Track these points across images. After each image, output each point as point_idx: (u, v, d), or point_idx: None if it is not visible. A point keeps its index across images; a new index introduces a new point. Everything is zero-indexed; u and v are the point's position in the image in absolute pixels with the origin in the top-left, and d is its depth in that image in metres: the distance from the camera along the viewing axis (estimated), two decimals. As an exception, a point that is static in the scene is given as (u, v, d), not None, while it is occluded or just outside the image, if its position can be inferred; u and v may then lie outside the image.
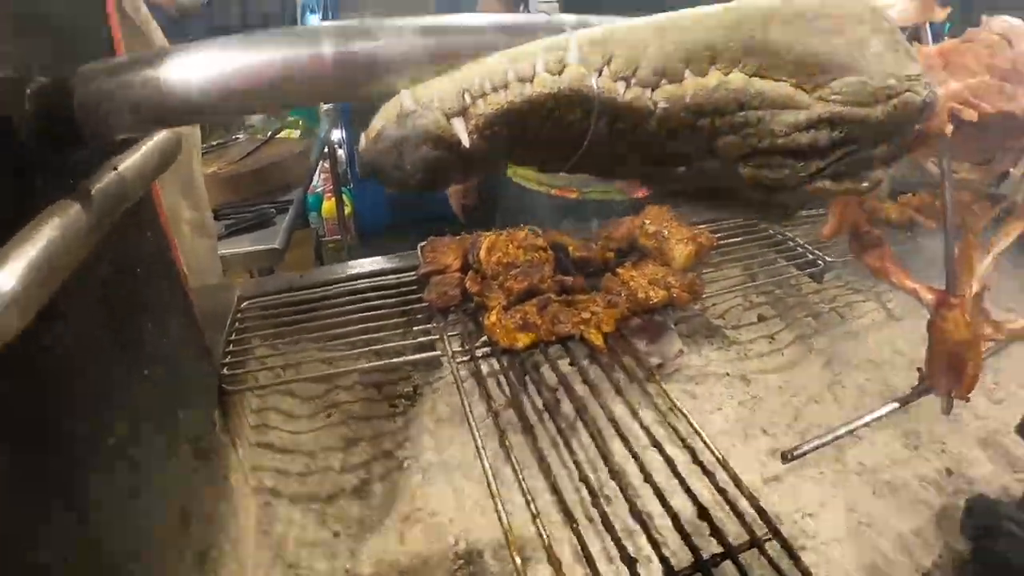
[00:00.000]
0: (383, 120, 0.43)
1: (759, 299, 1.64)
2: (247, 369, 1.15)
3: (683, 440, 0.98)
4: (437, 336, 1.14)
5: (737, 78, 0.50)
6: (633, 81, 0.47)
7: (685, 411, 1.03)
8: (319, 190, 4.18)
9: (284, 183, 2.46)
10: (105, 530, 0.59)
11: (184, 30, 3.27)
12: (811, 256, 1.50)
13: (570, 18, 0.53)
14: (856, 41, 0.57)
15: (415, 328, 1.22)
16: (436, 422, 1.21)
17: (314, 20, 4.23)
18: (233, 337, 1.21)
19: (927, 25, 0.90)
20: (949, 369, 1.02)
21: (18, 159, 0.46)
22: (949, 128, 0.79)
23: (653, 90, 0.48)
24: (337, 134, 4.11)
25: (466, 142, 0.42)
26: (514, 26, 0.50)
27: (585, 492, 0.90)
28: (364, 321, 1.24)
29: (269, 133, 2.82)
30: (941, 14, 0.86)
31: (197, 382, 0.98)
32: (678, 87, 0.48)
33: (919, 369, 1.09)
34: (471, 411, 0.98)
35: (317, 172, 3.45)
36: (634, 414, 1.03)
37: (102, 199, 0.49)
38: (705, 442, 0.96)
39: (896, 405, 1.07)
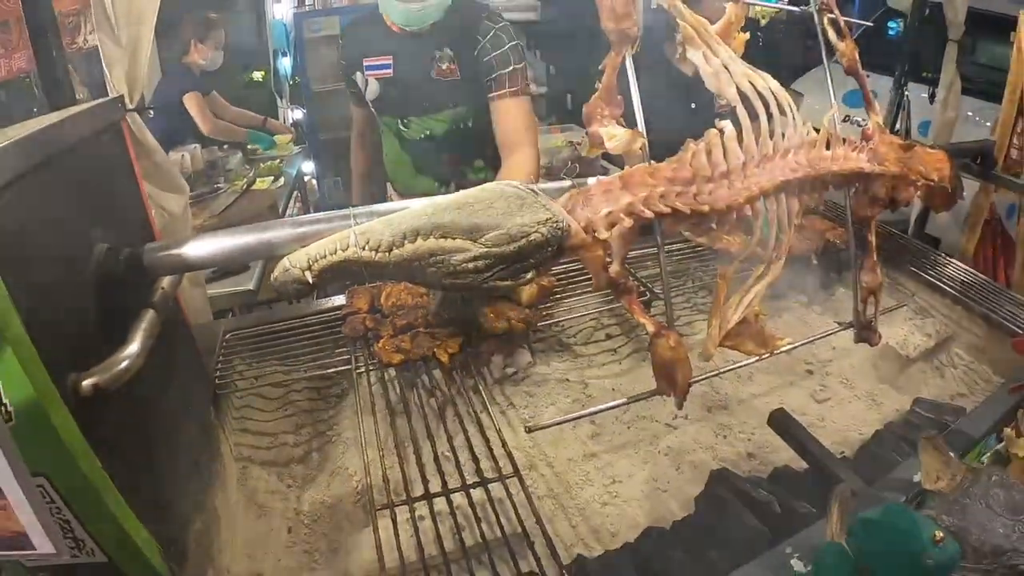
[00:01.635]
0: (277, 271, 1.12)
1: (609, 321, 2.22)
2: (230, 379, 1.82)
3: (499, 432, 1.62)
4: (349, 356, 1.84)
5: (429, 242, 1.09)
6: (380, 249, 1.09)
7: (493, 415, 1.64)
8: (292, 219, 4.76)
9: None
10: (159, 459, 1.30)
11: (200, 83, 4.14)
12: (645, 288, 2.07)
13: (360, 210, 1.22)
14: (502, 209, 1.12)
15: (336, 351, 1.90)
16: (354, 412, 1.86)
17: (285, 62, 4.78)
18: (220, 359, 1.89)
19: (642, 148, 1.26)
20: (666, 378, 1.33)
21: (116, 289, 1.16)
22: (607, 234, 1.17)
23: (388, 253, 1.09)
24: (309, 166, 4.74)
25: (311, 282, 1.10)
26: (335, 218, 1.21)
27: (430, 453, 1.56)
28: (308, 345, 1.93)
29: (245, 184, 3.48)
30: (640, 142, 1.26)
31: (199, 389, 1.68)
32: (400, 251, 1.09)
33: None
34: (375, 405, 1.68)
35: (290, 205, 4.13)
36: (475, 414, 1.67)
37: (162, 302, 1.22)
38: (494, 422, 1.61)
39: (625, 400, 1.45)
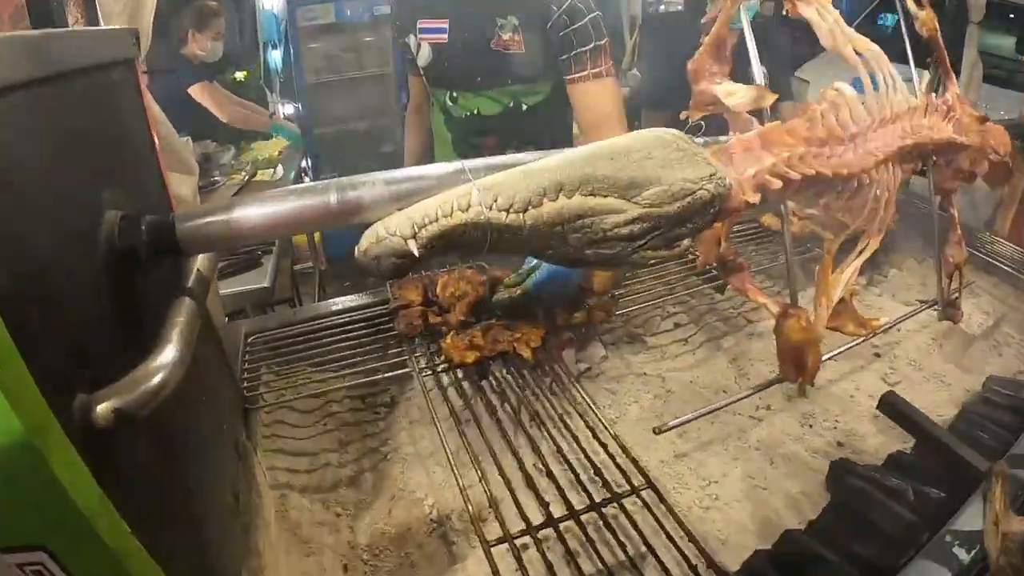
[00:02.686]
0: (367, 242, 0.80)
1: (675, 309, 1.97)
2: (258, 392, 1.51)
3: (590, 427, 1.35)
4: (407, 356, 1.52)
5: (575, 200, 0.85)
6: (511, 210, 0.82)
7: (595, 405, 1.40)
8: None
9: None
10: (198, 503, 0.96)
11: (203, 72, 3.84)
12: (715, 272, 1.82)
13: (471, 164, 0.88)
14: (661, 161, 0.89)
15: (389, 352, 1.58)
16: (410, 423, 1.57)
17: (275, 55, 4.45)
18: (246, 366, 1.57)
19: (767, 110, 1.18)
20: (794, 363, 1.23)
21: (136, 272, 0.82)
22: (757, 197, 1.03)
23: (523, 214, 0.82)
24: (305, 162, 4.41)
25: (416, 254, 0.79)
26: (444, 175, 0.86)
27: (516, 468, 1.27)
28: (349, 347, 1.61)
29: (246, 177, 3.11)
30: (770, 100, 1.16)
31: (229, 403, 1.35)
32: (539, 210, 0.83)
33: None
34: (436, 413, 1.36)
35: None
36: (555, 409, 1.41)
37: (198, 290, 0.85)
38: (605, 426, 1.34)
39: (752, 392, 1.34)
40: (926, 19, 1.51)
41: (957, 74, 3.34)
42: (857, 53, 1.23)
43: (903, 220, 1.58)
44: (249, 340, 1.66)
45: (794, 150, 1.05)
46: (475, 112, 2.13)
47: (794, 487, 1.43)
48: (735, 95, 1.17)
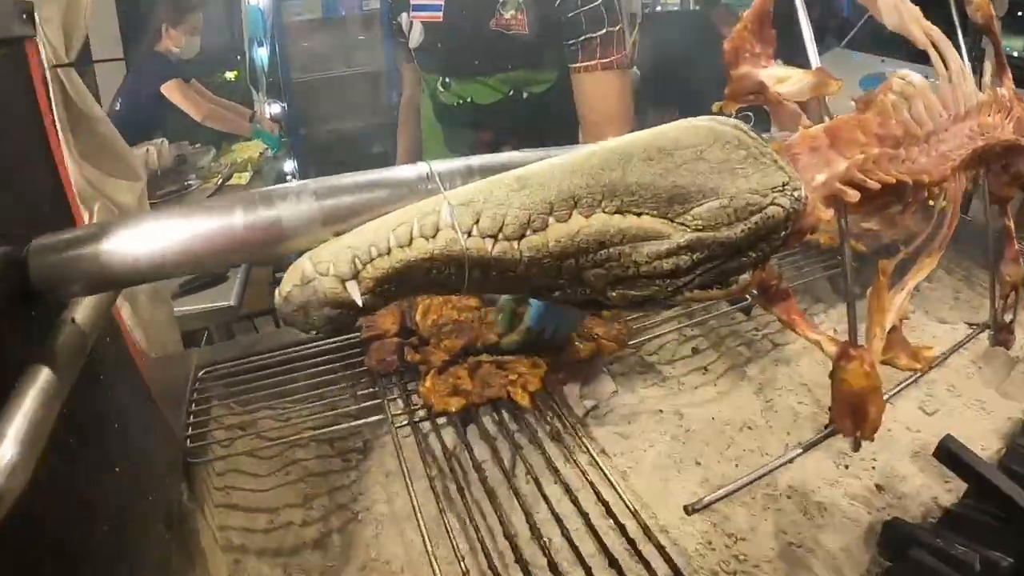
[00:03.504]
0: (290, 284, 0.55)
1: (693, 332, 1.73)
2: (208, 441, 1.27)
3: (598, 495, 1.11)
4: (380, 400, 1.27)
5: (597, 220, 0.59)
6: (500, 236, 0.57)
7: (604, 467, 1.16)
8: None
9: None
10: None
11: (178, 70, 3.59)
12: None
13: (444, 166, 0.63)
14: (718, 163, 0.65)
15: (359, 393, 1.34)
16: (386, 475, 1.31)
17: (262, 52, 4.26)
18: (193, 408, 1.33)
19: (825, 99, 0.97)
20: (852, 414, 1.04)
21: None
22: (829, 214, 0.84)
23: (519, 241, 0.57)
24: (289, 165, 4.16)
25: (359, 302, 0.53)
26: (395, 181, 0.61)
27: (509, 549, 1.04)
28: (315, 383, 1.37)
29: (220, 180, 2.89)
30: (835, 87, 0.94)
31: (163, 463, 1.09)
32: (542, 236, 0.58)
33: (829, 409, 1.13)
34: (409, 471, 1.11)
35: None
36: (554, 471, 1.17)
37: (67, 355, 0.60)
38: (619, 494, 1.09)
39: (800, 451, 1.14)
40: (981, 2, 1.36)
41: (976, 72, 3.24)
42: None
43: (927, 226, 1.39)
44: (200, 375, 1.41)
45: (867, 150, 0.87)
46: (469, 100, 1.89)
47: (833, 543, 1.25)
48: (788, 81, 0.97)
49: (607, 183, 0.60)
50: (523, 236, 0.58)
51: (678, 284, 0.65)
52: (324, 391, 1.36)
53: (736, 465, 1.41)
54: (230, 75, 4.86)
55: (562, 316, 1.31)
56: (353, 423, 1.29)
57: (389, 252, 0.55)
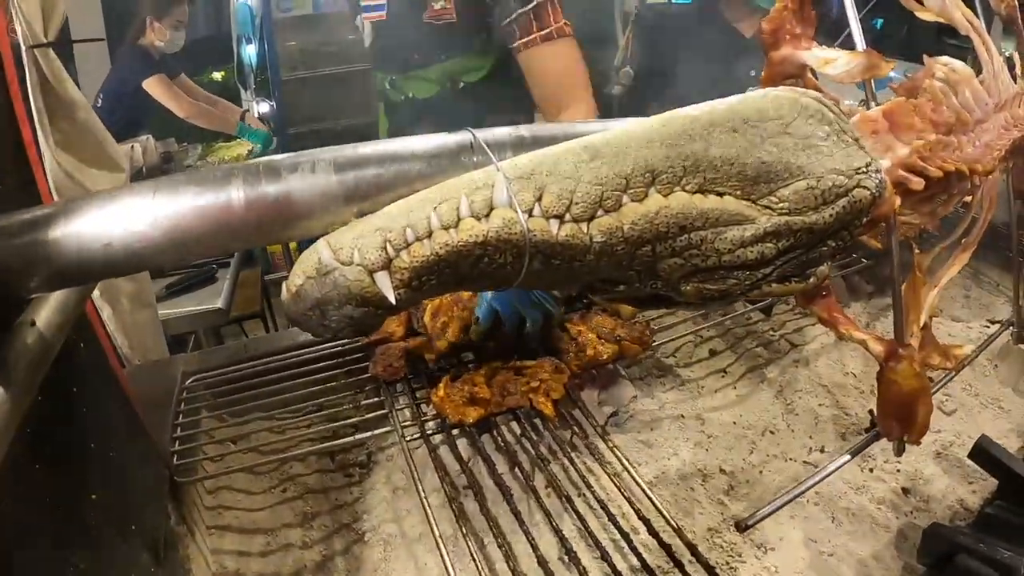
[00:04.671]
0: (302, 276, 0.42)
1: (710, 333, 1.64)
2: (197, 457, 1.15)
3: (632, 504, 1.02)
4: (387, 410, 1.14)
5: (679, 200, 0.49)
6: (567, 217, 0.45)
7: (638, 478, 1.06)
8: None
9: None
10: None
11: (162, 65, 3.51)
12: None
13: (489, 134, 0.51)
14: (803, 139, 0.56)
15: (363, 402, 1.22)
16: (393, 491, 1.19)
17: (250, 49, 4.15)
18: (180, 421, 1.20)
19: (871, 82, 0.90)
20: (900, 416, 0.99)
21: None
22: (897, 202, 0.76)
23: (589, 223, 0.46)
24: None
25: (392, 299, 0.41)
26: (431, 152, 0.49)
27: (532, 556, 0.95)
28: (315, 395, 1.25)
29: None
30: (887, 69, 0.86)
31: (147, 484, 0.97)
32: (616, 217, 0.47)
33: (871, 412, 1.09)
34: (423, 490, 0.99)
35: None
36: (582, 484, 1.07)
37: (26, 365, 0.47)
38: (652, 501, 1.01)
39: (849, 457, 1.06)
40: None
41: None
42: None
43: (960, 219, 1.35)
44: (187, 383, 1.27)
45: (925, 136, 0.81)
46: (409, 95, 1.86)
47: (862, 549, 1.18)
48: (835, 63, 0.88)
49: (689, 155, 0.50)
50: (594, 217, 0.46)
51: (758, 276, 0.56)
52: (324, 400, 1.24)
53: (760, 472, 1.33)
54: (217, 75, 4.75)
55: (529, 304, 1.20)
56: (357, 436, 1.17)
57: (431, 235, 0.43)
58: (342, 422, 1.22)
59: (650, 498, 1.00)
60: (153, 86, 3.41)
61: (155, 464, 1.03)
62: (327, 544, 1.16)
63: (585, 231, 0.46)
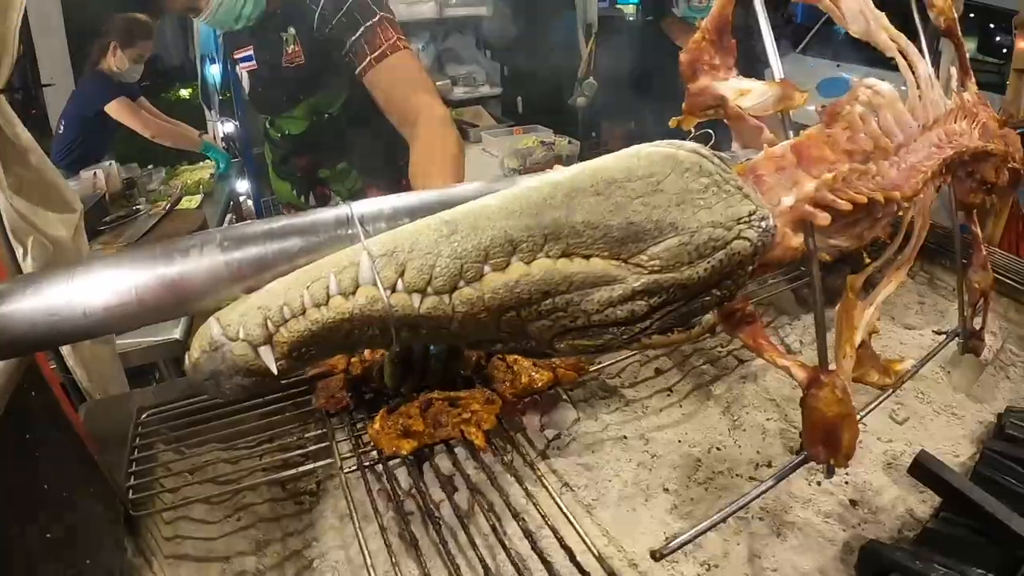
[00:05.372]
0: (198, 350, 0.50)
1: (656, 352, 1.69)
2: (154, 490, 1.21)
3: (560, 540, 1.06)
4: (329, 442, 1.22)
5: (541, 266, 0.54)
6: (429, 290, 0.52)
7: (562, 506, 1.11)
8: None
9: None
10: None
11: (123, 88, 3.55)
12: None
13: (366, 207, 0.59)
14: (677, 195, 0.60)
15: (307, 435, 1.28)
16: (340, 518, 1.26)
17: (214, 69, 4.19)
18: (136, 455, 1.27)
19: (789, 114, 0.92)
20: (825, 441, 1.00)
21: None
22: (799, 240, 0.80)
23: (451, 294, 0.52)
24: (244, 185, 4.07)
25: (274, 369, 0.49)
26: (311, 227, 0.56)
27: None
28: (266, 426, 1.33)
29: (168, 206, 2.85)
30: (800, 100, 0.89)
31: (101, 522, 1.04)
32: (477, 288, 0.53)
33: (801, 435, 1.11)
34: (358, 521, 1.07)
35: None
36: (514, 511, 1.12)
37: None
38: (575, 528, 1.06)
39: (772, 483, 1.08)
40: (944, 7, 1.33)
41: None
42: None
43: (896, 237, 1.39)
44: (143, 417, 1.34)
45: (838, 168, 0.84)
46: (287, 133, 2.05)
47: (807, 564, 1.21)
48: (750, 94, 0.92)
49: (549, 223, 0.55)
50: (455, 288, 0.52)
51: (635, 331, 0.61)
52: (274, 432, 1.31)
53: (706, 489, 1.38)
54: (185, 92, 4.79)
55: None
56: (301, 468, 1.24)
57: (304, 313, 0.50)
58: (292, 452, 1.28)
59: (573, 524, 1.06)
60: (117, 110, 3.47)
61: (110, 500, 1.09)
62: (279, 571, 1.22)
63: (447, 302, 0.52)
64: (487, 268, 0.53)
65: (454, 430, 1.13)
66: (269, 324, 0.50)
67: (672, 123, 0.97)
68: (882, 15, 1.02)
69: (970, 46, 5.05)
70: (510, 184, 0.61)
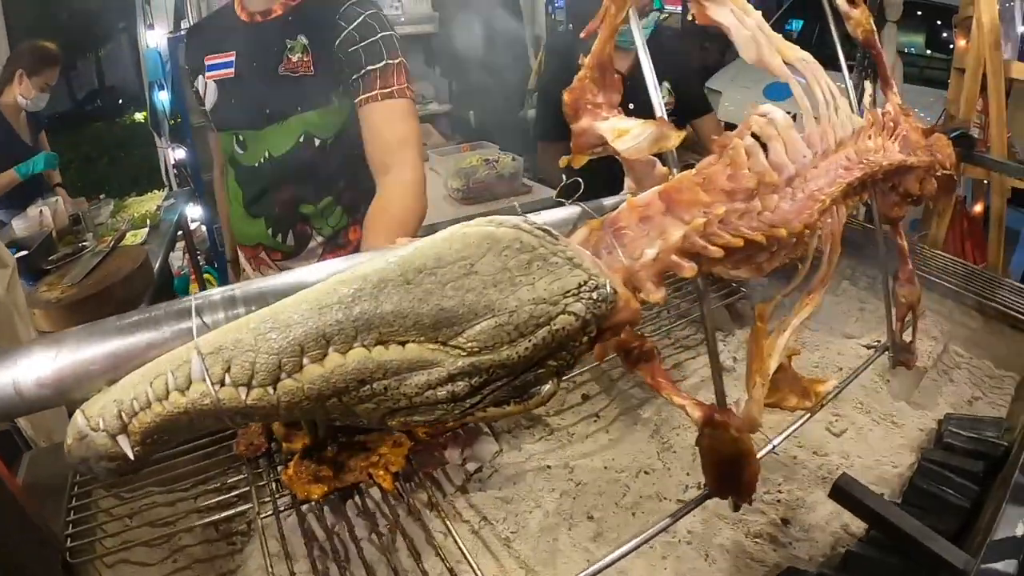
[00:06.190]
0: (70, 439, 0.61)
1: (583, 377, 1.79)
2: (95, 536, 1.30)
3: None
4: (248, 488, 1.32)
5: (355, 356, 0.60)
6: (253, 383, 0.60)
7: (462, 546, 1.17)
8: (184, 272, 4.23)
9: (127, 299, 2.60)
10: None
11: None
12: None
13: (206, 297, 0.70)
14: (493, 275, 0.63)
15: (228, 482, 1.38)
16: (269, 557, 1.33)
17: (162, 96, 4.27)
18: (74, 503, 1.35)
19: (673, 152, 0.95)
20: (725, 479, 1.02)
21: None
22: (660, 294, 0.81)
23: (274, 386, 0.60)
24: (196, 211, 4.16)
25: (131, 455, 0.60)
26: (160, 320, 0.68)
27: None
28: (199, 469, 1.42)
29: (113, 241, 2.92)
30: (674, 140, 0.91)
31: (38, 571, 1.13)
32: (297, 379, 0.60)
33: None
34: (270, 565, 1.18)
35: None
36: (432, 547, 1.21)
37: None
38: (470, 564, 1.11)
39: (670, 521, 1.11)
40: (861, 19, 1.39)
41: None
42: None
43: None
44: (81, 465, 1.44)
45: (712, 210, 0.85)
46: (266, 156, 1.96)
47: None
48: (627, 135, 0.94)
49: (359, 316, 0.60)
50: (278, 380, 0.60)
51: (464, 407, 0.64)
52: (208, 475, 1.40)
53: (633, 514, 1.43)
54: (139, 116, 4.88)
55: None
56: (227, 512, 1.33)
57: (150, 406, 0.59)
58: (225, 495, 1.37)
59: (470, 562, 1.12)
60: None
61: (47, 549, 1.18)
62: (214, 613, 1.31)
63: (272, 394, 0.60)
64: (306, 360, 0.60)
65: (362, 474, 1.22)
66: (123, 416, 0.59)
67: (562, 162, 0.99)
68: (778, 37, 1.04)
69: (918, 41, 5.23)
70: (329, 278, 0.66)
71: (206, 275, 4.15)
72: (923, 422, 1.71)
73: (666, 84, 2.35)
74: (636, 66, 2.25)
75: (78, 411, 0.62)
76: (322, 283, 0.64)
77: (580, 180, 1.07)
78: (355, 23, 1.82)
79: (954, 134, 2.43)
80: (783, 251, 0.99)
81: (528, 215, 0.81)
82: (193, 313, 0.67)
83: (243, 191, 2.07)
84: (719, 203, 0.86)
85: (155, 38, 4.51)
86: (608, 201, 0.99)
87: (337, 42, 1.84)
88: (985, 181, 2.86)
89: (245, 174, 2.04)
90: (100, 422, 0.60)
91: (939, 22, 5.22)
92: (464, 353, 0.61)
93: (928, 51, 5.42)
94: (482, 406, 0.65)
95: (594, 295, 0.65)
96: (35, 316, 2.35)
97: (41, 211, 3.09)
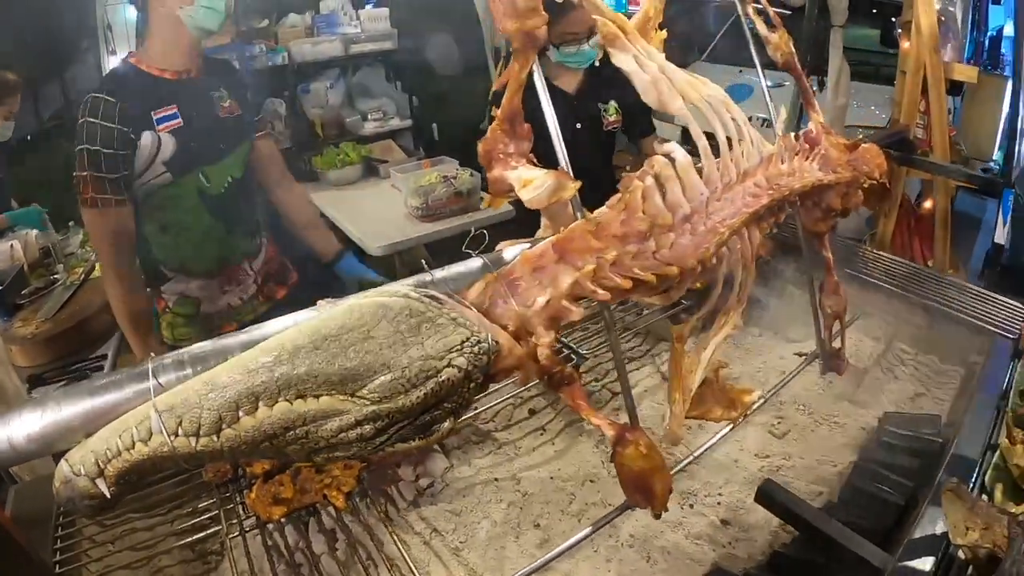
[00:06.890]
0: (58, 482, 0.78)
1: (530, 393, 1.93)
2: (81, 562, 1.45)
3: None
4: (217, 511, 1.49)
5: (280, 408, 0.78)
6: (201, 433, 0.77)
7: (406, 552, 1.35)
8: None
9: (101, 332, 2.76)
10: None
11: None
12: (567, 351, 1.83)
13: (161, 361, 0.87)
14: (387, 338, 0.81)
15: (199, 507, 1.55)
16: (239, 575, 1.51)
17: None
18: (60, 532, 1.50)
19: (570, 203, 1.04)
20: (639, 491, 1.13)
21: None
22: (550, 336, 0.93)
23: (216, 436, 0.78)
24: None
25: (108, 494, 0.78)
26: (118, 384, 0.86)
27: None
28: (175, 495, 1.58)
29: (83, 275, 3.06)
30: (571, 191, 1.02)
31: None
32: (236, 428, 0.78)
33: None
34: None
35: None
36: (387, 560, 1.37)
37: None
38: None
39: (591, 530, 1.27)
40: (780, 43, 1.48)
41: (823, 77, 3.61)
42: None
43: (776, 245, 1.59)
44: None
45: (603, 256, 0.96)
46: (232, 179, 2.42)
47: None
48: (531, 185, 1.03)
49: (280, 376, 0.78)
50: (220, 430, 0.77)
51: (375, 444, 0.81)
52: (180, 501, 1.56)
53: (579, 520, 1.57)
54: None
55: None
56: (198, 535, 1.50)
57: (120, 454, 0.77)
58: (200, 517, 1.52)
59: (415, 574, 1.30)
60: None
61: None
62: (191, 625, 1.46)
63: (216, 441, 0.77)
64: (241, 413, 0.78)
65: (317, 495, 1.40)
66: (99, 463, 0.77)
67: (484, 204, 1.17)
68: (683, 77, 1.14)
69: (873, 36, 5.30)
70: (262, 343, 0.84)
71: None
72: (865, 420, 1.81)
73: (613, 103, 2.49)
74: (583, 84, 2.40)
75: (63, 460, 0.79)
76: (250, 350, 0.82)
77: (485, 232, 1.21)
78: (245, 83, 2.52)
79: (890, 140, 2.60)
80: (687, 280, 1.09)
81: (434, 270, 1.00)
82: (151, 375, 0.85)
83: (220, 218, 2.42)
84: (611, 248, 0.98)
85: (117, 63, 4.45)
86: (509, 253, 1.06)
87: (240, 92, 2.44)
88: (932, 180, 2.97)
89: (216, 201, 2.37)
90: (81, 468, 0.77)
91: (893, 19, 5.33)
92: (368, 403, 0.79)
93: (883, 48, 5.48)
94: (390, 443, 0.82)
95: (475, 349, 0.83)
96: (12, 352, 2.51)
97: (12, 246, 3.16)
